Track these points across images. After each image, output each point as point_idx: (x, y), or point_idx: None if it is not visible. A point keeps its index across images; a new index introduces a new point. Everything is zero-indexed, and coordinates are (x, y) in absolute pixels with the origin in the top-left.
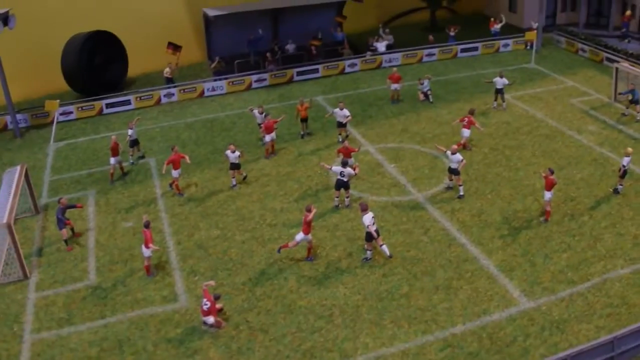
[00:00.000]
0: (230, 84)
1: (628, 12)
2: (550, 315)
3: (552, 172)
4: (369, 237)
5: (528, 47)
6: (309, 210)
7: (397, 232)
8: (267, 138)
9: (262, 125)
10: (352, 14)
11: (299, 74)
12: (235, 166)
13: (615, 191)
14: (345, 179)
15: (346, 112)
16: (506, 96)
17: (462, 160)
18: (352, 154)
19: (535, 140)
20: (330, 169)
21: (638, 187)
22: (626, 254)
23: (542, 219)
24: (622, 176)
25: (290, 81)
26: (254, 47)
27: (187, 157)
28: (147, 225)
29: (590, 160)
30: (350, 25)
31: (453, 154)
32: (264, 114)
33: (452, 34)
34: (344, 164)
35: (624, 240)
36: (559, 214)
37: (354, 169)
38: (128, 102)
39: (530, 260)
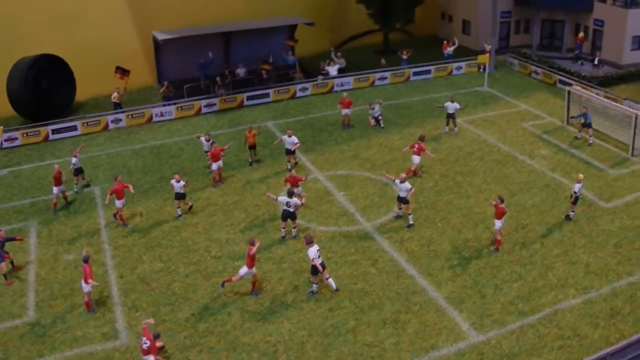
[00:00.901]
0: (179, 109)
1: (581, 34)
2: (500, 349)
3: (502, 201)
4: (315, 270)
5: (481, 70)
6: (252, 244)
7: (345, 264)
8: (214, 166)
9: (208, 152)
10: (305, 38)
11: (249, 98)
12: (180, 196)
13: (567, 218)
14: (291, 210)
15: (294, 139)
16: (458, 120)
17: (411, 189)
18: (300, 182)
19: (487, 166)
20: (276, 199)
21: (590, 213)
22: (578, 283)
23: (492, 248)
24: (574, 202)
25: (241, 106)
26: (205, 71)
27: (130, 187)
28: (86, 260)
29: (542, 185)
30: (303, 48)
31: (402, 182)
32: (210, 141)
33: (404, 57)
34: (290, 194)
35: (576, 269)
36: (510, 242)
37: (301, 199)
38: (74, 128)
39: (480, 292)
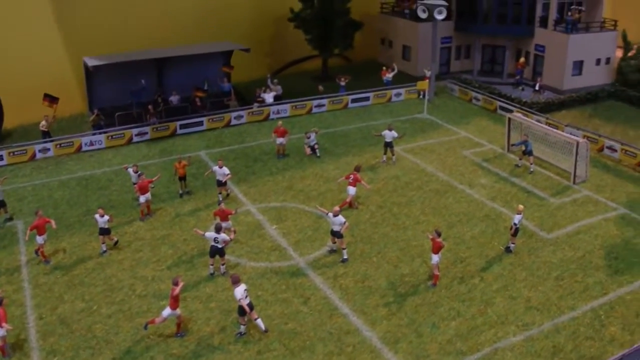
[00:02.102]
0: (110, 138)
1: (522, 60)
2: None
3: (439, 234)
4: (242, 311)
5: (421, 97)
6: (176, 284)
7: (275, 302)
8: (142, 199)
9: (136, 184)
10: (242, 64)
11: (182, 127)
12: (104, 231)
13: (507, 250)
14: (219, 246)
15: (225, 170)
16: (397, 148)
17: (344, 223)
18: (230, 216)
19: (425, 196)
20: (204, 235)
21: (531, 245)
22: (518, 319)
23: (430, 283)
24: (514, 234)
25: (173, 135)
26: (137, 99)
27: (52, 222)
28: None
29: (482, 216)
30: (240, 74)
31: (335, 216)
32: (138, 172)
33: (342, 83)
34: (218, 230)
35: (516, 304)
36: (448, 277)
37: (230, 234)
38: (0, 158)
39: (416, 330)
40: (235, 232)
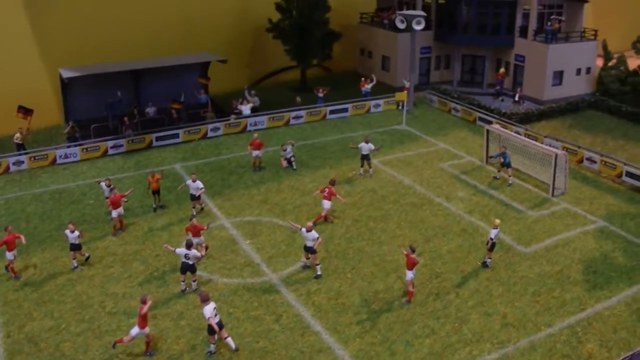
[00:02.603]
0: (85, 150)
1: (502, 70)
2: None
3: (413, 250)
4: (211, 330)
5: (399, 108)
6: (144, 302)
7: (247, 320)
8: (114, 213)
9: (108, 199)
10: (221, 75)
11: (158, 139)
12: (75, 247)
13: (484, 265)
14: (190, 262)
15: (199, 184)
16: (374, 161)
17: (317, 238)
18: (202, 232)
19: (402, 210)
20: (175, 251)
21: (508, 259)
22: (494, 337)
23: (404, 300)
24: (490, 249)
25: (149, 147)
26: (113, 111)
27: (22, 238)
28: None
29: (459, 230)
30: (219, 86)
31: (308, 231)
32: (110, 186)
33: (320, 95)
34: (189, 246)
35: (492, 321)
36: (423, 293)
37: (202, 250)
38: None
39: (390, 349)
40: (207, 247)
